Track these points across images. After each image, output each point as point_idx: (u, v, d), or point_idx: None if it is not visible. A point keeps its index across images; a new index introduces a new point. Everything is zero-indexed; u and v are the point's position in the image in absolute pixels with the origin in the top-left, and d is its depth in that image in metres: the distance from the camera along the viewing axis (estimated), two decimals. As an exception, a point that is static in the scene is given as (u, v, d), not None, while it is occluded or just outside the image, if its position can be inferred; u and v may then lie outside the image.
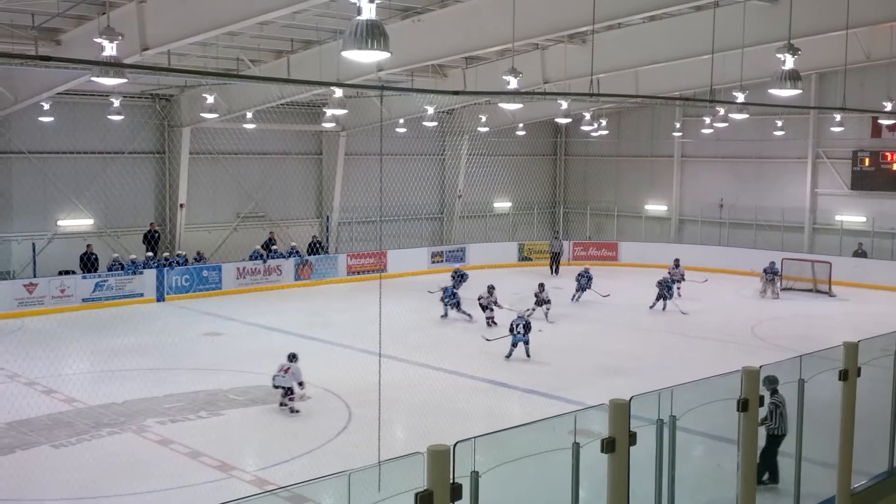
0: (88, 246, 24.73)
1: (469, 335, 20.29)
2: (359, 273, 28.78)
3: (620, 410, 5.62)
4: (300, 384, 14.47)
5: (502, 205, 36.01)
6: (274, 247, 28.07)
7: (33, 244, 24.08)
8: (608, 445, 5.57)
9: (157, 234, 26.49)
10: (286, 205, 30.06)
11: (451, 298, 22.52)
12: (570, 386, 15.88)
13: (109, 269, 24.45)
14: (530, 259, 32.86)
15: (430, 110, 26.04)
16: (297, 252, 28.29)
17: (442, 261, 31.42)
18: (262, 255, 27.31)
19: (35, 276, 23.31)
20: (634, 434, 5.69)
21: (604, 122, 31.80)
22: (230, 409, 14.58)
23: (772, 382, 9.02)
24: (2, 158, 24.14)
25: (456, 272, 25.70)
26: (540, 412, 10.69)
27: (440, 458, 4.64)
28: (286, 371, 14.52)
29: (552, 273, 30.36)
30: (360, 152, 30.66)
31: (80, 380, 16.34)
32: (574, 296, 25.12)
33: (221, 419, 13.97)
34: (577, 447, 5.70)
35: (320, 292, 26.76)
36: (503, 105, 19.70)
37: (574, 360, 18.06)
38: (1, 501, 10.81)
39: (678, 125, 32.29)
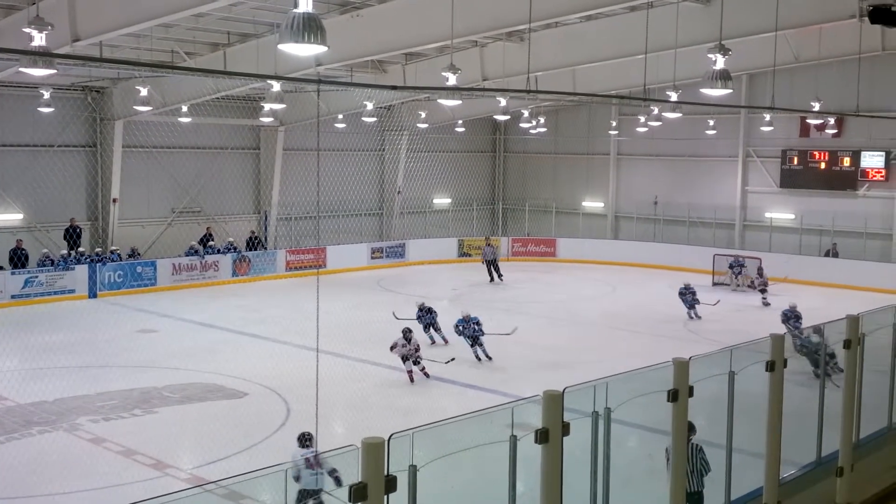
0: (18, 241, 24.06)
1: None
2: (297, 269, 28.54)
3: (554, 401, 5.70)
4: (335, 475, 8.20)
5: (442, 201, 36.10)
6: (211, 242, 27.64)
7: (-43, 240, 23.33)
8: (542, 436, 5.65)
9: (78, 230, 25.81)
10: (223, 200, 29.63)
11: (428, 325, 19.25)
12: (509, 380, 16.03)
13: (40, 265, 23.78)
14: (469, 255, 33.00)
15: (370, 105, 25.99)
16: (234, 248, 27.93)
17: (382, 257, 31.38)
18: (198, 251, 26.88)
19: (-39, 273, 22.59)
20: (568, 424, 5.78)
21: (542, 120, 32.13)
22: (165, 406, 14.35)
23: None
24: (-75, 151, 23.31)
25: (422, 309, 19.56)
26: (478, 406, 10.79)
27: (375, 450, 4.66)
28: (315, 462, 8.88)
29: (493, 280, 28.37)
30: (298, 147, 30.40)
31: (10, 377, 15.84)
32: (690, 314, 22.37)
33: (156, 417, 13.75)
34: (514, 440, 5.77)
35: (258, 288, 26.47)
36: (442, 101, 19.72)
37: (513, 354, 18.22)
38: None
39: (614, 123, 32.78)
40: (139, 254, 26.39)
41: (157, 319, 21.69)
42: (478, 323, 17.79)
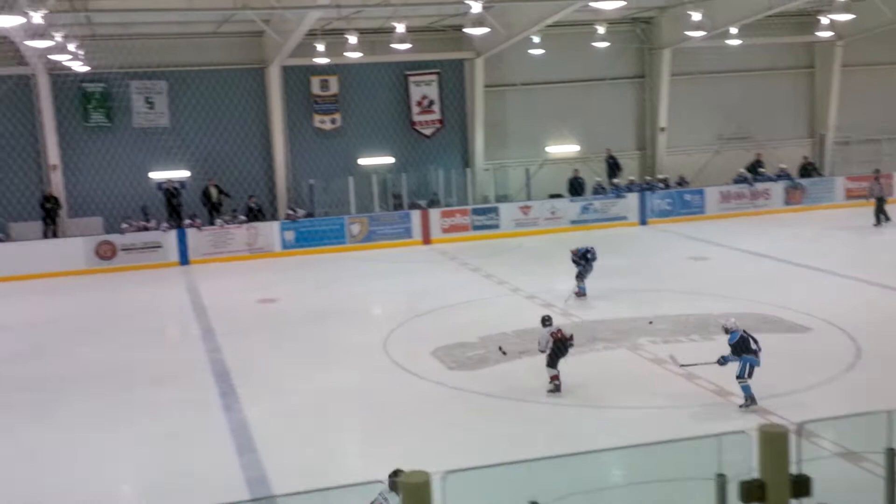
0: (575, 170, 25.80)
1: None
2: (859, 198, 25.78)
3: None
4: None
5: None
6: (761, 169, 26.49)
7: (526, 170, 25.80)
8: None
9: (613, 161, 26.43)
10: (773, 124, 28.08)
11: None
12: None
13: (594, 193, 25.21)
14: None
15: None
16: (786, 175, 26.34)
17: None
18: (747, 179, 25.96)
19: (529, 200, 25.01)
20: None
21: None
22: (720, 334, 13.86)
23: None
24: (498, 91, 26.06)
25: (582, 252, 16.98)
26: None
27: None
28: None
29: (879, 223, 23.05)
30: (861, 62, 27.28)
31: (564, 298, 16.87)
32: None
33: (714, 344, 13.39)
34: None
35: (813, 218, 24.72)
36: None
37: None
38: (511, 401, 11.52)
39: None
40: (687, 182, 26.38)
41: (706, 247, 21.41)
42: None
